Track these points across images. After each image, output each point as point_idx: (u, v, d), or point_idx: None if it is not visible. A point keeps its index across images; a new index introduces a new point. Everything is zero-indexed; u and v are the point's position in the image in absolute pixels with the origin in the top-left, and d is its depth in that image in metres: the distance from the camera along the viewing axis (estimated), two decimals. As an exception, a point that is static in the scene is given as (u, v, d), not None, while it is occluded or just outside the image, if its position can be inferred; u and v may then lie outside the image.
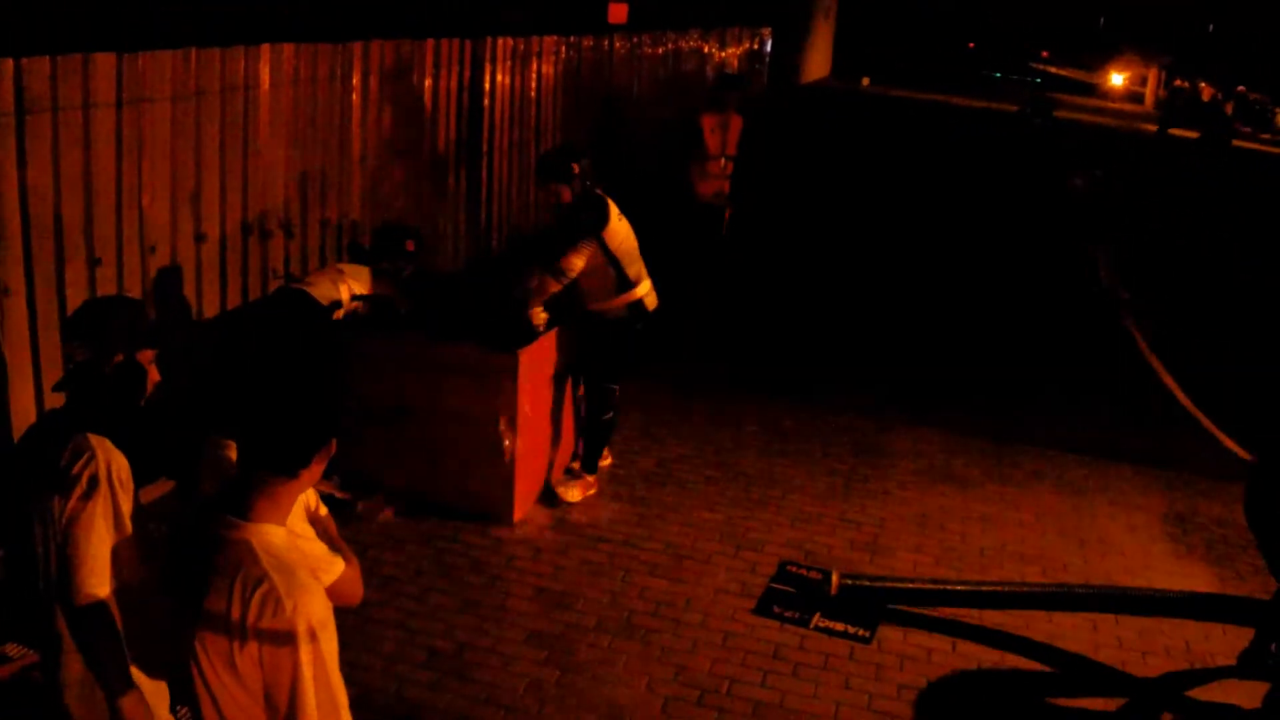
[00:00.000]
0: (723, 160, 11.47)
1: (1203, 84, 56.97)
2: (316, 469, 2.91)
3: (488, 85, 11.69)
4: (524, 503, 7.15)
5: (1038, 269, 15.96)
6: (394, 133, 9.79)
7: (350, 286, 7.01)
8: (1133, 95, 59.65)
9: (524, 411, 6.89)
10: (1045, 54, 67.01)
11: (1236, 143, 36.89)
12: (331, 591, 2.99)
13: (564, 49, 13.85)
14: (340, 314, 6.92)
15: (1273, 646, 6.10)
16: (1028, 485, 8.58)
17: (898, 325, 12.49)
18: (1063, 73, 63.00)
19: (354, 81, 9.00)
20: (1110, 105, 53.12)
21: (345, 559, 3.25)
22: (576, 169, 7.03)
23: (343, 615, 2.98)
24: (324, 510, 3.42)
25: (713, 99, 11.97)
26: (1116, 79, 59.81)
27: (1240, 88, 56.22)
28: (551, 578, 6.50)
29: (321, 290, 6.86)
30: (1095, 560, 7.51)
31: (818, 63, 44.00)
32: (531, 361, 6.91)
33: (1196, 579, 7.42)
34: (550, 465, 7.53)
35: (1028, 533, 7.78)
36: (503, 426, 6.79)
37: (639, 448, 8.37)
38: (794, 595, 6.49)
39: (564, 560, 6.71)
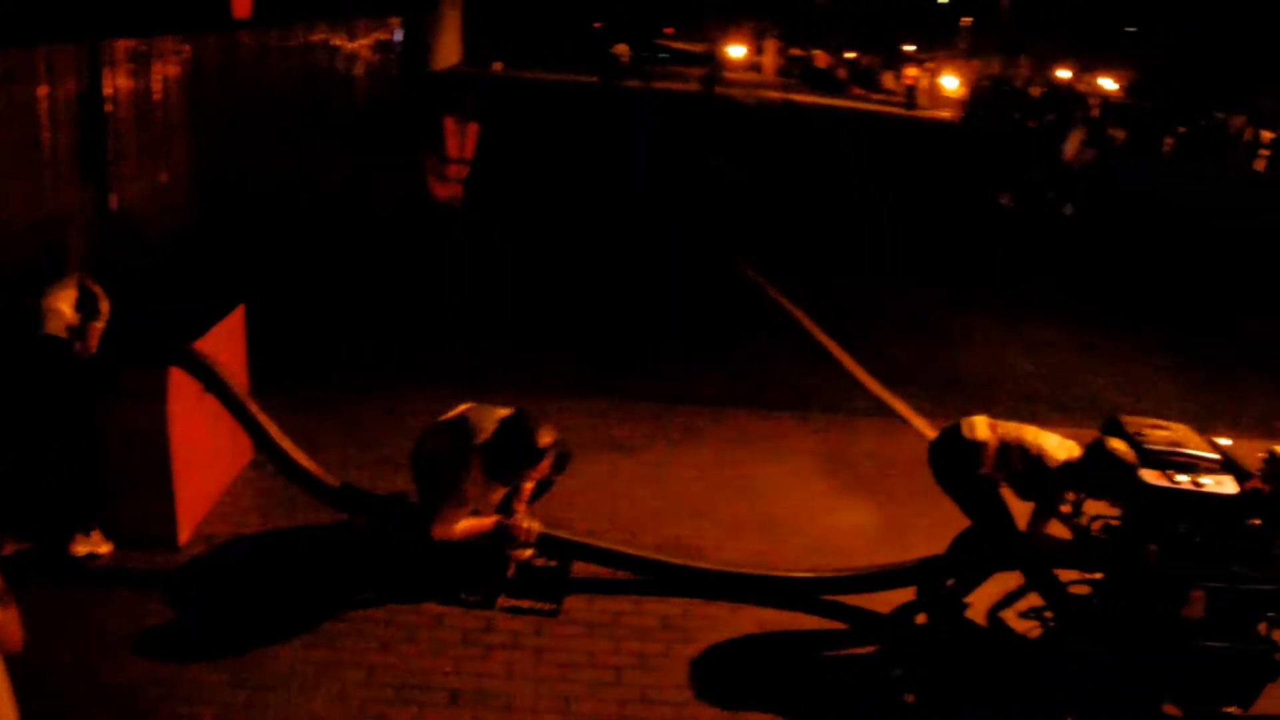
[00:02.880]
0: (462, 163, 11.33)
1: (816, 51, 59.98)
2: None
3: (109, 90, 11.20)
4: (190, 521, 6.85)
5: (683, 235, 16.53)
6: (8, 145, 9.25)
7: (64, 296, 6.39)
8: (753, 65, 62.28)
9: (179, 428, 6.62)
10: (669, 30, 68.91)
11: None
12: None
13: (189, 47, 13.38)
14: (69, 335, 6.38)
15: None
16: (689, 443, 8.92)
17: (559, 300, 12.65)
18: (687, 47, 64.83)
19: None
20: (731, 76, 55.11)
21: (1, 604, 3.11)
22: None
23: (13, 662, 2.83)
24: None
25: (454, 101, 11.77)
26: (736, 51, 62.18)
27: (851, 53, 59.45)
28: (227, 597, 6.28)
29: (54, 324, 6.33)
30: (762, 506, 7.90)
31: (449, 49, 43.90)
32: (187, 377, 6.63)
33: (856, 510, 8.01)
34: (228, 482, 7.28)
35: (695, 489, 8.09)
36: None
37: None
38: (477, 577, 6.47)
39: (237, 578, 6.49)
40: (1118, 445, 6.05)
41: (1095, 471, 6.08)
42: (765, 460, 8.72)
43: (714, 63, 45.11)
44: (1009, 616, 6.79)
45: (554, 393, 9.66)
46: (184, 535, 6.75)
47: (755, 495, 8.06)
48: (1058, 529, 6.42)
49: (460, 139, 11.24)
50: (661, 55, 59.10)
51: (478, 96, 12.01)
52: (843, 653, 6.41)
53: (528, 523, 6.49)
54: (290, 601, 6.26)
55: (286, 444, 6.67)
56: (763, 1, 69.43)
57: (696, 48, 62.85)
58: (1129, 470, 5.97)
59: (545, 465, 6.38)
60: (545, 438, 6.16)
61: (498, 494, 6.51)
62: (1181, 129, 31.79)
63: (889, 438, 9.45)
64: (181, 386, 6.55)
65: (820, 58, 60.20)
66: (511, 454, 6.21)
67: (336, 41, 23.44)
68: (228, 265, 11.99)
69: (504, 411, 6.47)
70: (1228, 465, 6.28)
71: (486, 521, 6.39)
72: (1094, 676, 6.10)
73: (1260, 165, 28.11)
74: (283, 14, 18.56)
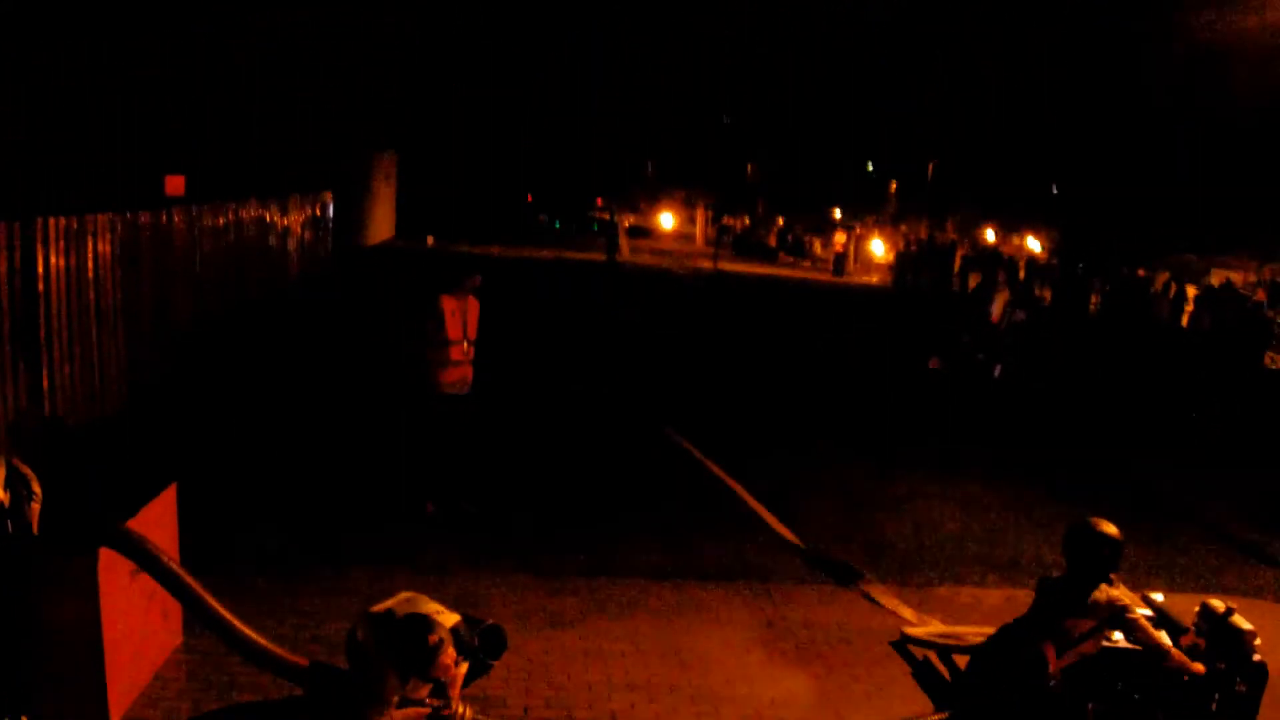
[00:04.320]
0: (465, 344, 11.10)
1: (746, 220, 61.34)
2: None
3: (41, 269, 11.25)
4: (121, 705, 6.70)
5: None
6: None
7: None
8: (684, 235, 63.51)
9: (111, 611, 6.50)
10: (600, 201, 70.17)
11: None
12: None
13: (120, 226, 13.48)
14: None
15: None
16: (624, 616, 8.88)
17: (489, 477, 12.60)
18: (618, 219, 66.11)
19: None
20: (662, 245, 56.20)
21: None
22: None
23: None
24: None
25: (452, 281, 11.41)
26: (667, 220, 63.36)
27: (780, 221, 60.80)
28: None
29: None
30: (698, 678, 7.86)
31: (382, 224, 44.37)
32: (118, 558, 6.54)
33: (792, 679, 7.95)
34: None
35: (630, 663, 8.03)
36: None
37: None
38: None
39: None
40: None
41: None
42: (699, 631, 8.70)
43: (613, 230, 46.00)
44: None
45: (489, 568, 9.64)
46: (116, 717, 6.61)
47: (690, 667, 8.03)
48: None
49: (462, 319, 10.96)
50: (593, 226, 60.09)
51: (476, 269, 11.57)
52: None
53: (461, 709, 6.46)
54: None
55: (235, 621, 6.62)
56: (694, 172, 71.03)
57: (605, 216, 63.99)
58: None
59: (448, 659, 6.40)
60: (434, 636, 6.24)
61: (424, 689, 6.53)
62: (1106, 287, 32.54)
63: (823, 605, 9.47)
64: (113, 568, 6.48)
65: (750, 226, 61.58)
66: (409, 659, 6.30)
67: (269, 217, 23.70)
68: (162, 444, 11.93)
69: (437, 608, 6.54)
70: (1162, 620, 6.37)
71: (419, 713, 6.40)
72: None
73: (1184, 320, 28.77)
74: (214, 191, 18.83)
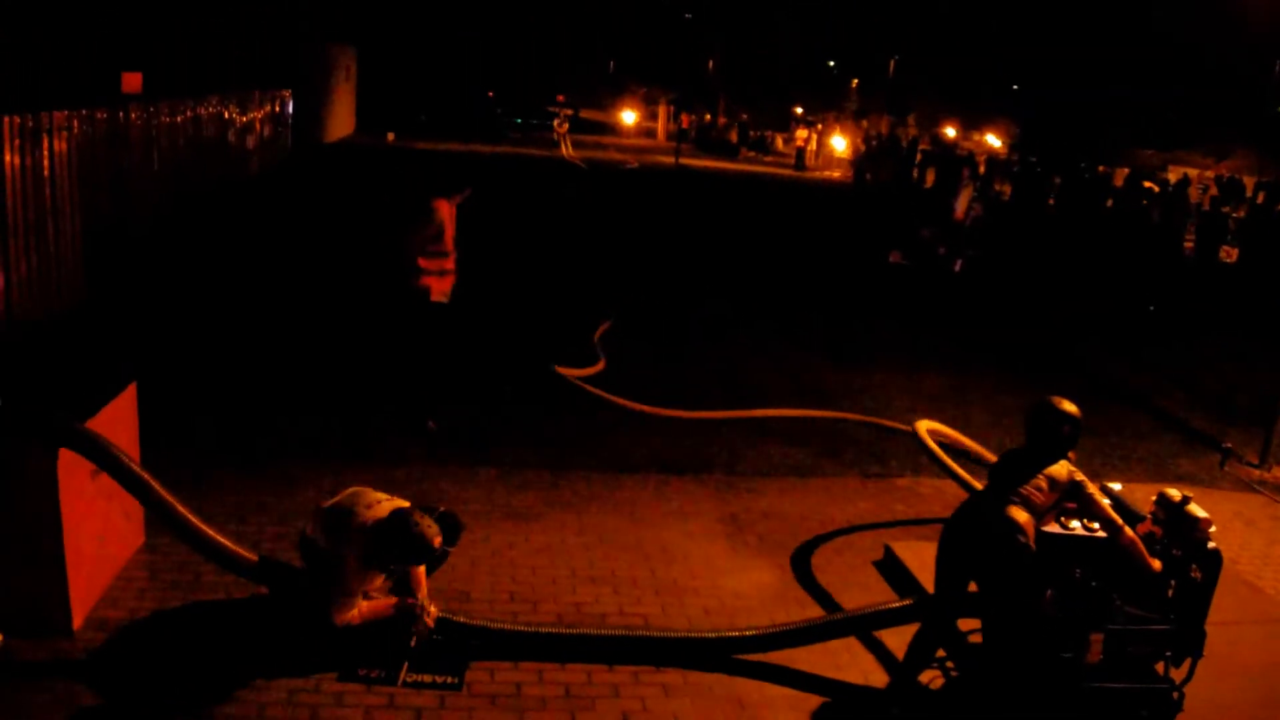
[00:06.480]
0: (454, 253, 10.76)
1: (707, 115, 61.12)
2: None
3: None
4: (84, 606, 6.69)
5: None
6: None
7: None
8: (647, 131, 63.13)
9: (72, 511, 6.47)
10: (561, 98, 69.43)
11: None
12: None
13: (77, 123, 13.27)
14: None
15: None
16: (586, 509, 8.94)
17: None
18: (581, 115, 65.52)
19: None
20: (625, 141, 55.88)
21: None
22: None
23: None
24: None
25: (449, 186, 10.93)
26: (628, 117, 62.98)
27: (744, 116, 60.57)
28: (121, 684, 6.10)
29: None
30: (661, 570, 7.92)
31: (341, 121, 43.85)
32: (79, 458, 6.48)
33: (755, 571, 8.04)
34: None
35: (594, 555, 8.09)
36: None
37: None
38: (377, 654, 6.42)
39: (132, 663, 6.31)
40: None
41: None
42: (663, 523, 8.77)
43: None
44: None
45: (452, 462, 9.65)
46: (78, 621, 6.58)
47: (654, 560, 8.09)
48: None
49: (453, 227, 10.56)
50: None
51: (469, 182, 11.11)
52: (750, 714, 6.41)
53: (427, 606, 6.50)
54: (188, 685, 6.12)
55: (195, 519, 6.60)
56: (656, 69, 70.50)
57: (592, 115, 63.62)
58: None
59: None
60: (437, 538, 6.28)
61: (379, 579, 6.57)
62: (1062, 182, 32.55)
63: (785, 496, 9.56)
64: (73, 468, 6.44)
65: (712, 123, 61.34)
66: (398, 549, 6.31)
67: (227, 114, 23.39)
68: (122, 342, 11.83)
69: (384, 498, 6.54)
70: (1120, 509, 6.45)
71: (384, 606, 6.44)
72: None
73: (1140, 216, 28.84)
74: (172, 89, 18.54)
